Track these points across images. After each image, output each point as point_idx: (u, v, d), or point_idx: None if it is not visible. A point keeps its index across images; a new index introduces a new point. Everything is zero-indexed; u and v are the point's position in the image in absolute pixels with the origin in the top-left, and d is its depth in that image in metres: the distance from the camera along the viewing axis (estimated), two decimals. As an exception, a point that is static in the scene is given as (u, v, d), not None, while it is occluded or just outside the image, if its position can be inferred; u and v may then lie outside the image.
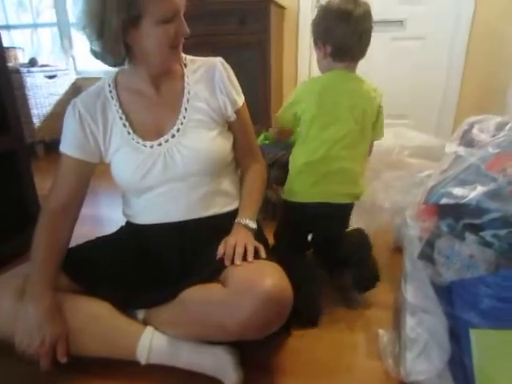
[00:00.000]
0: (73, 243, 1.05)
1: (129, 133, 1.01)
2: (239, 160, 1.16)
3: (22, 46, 3.23)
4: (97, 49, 0.92)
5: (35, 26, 3.50)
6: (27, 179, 1.59)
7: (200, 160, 1.01)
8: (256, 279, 0.83)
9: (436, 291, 0.94)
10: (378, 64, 2.64)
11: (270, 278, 0.84)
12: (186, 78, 1.05)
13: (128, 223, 1.15)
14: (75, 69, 3.22)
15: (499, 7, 2.27)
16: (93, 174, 1.06)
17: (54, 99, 2.99)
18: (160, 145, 1.01)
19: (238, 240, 0.95)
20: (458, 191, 0.92)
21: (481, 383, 0.81)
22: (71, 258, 1.00)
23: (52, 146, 2.96)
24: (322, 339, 1.09)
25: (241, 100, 1.09)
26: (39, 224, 0.99)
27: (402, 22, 2.58)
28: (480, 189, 0.89)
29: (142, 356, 0.92)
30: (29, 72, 2.79)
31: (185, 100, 1.03)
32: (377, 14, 2.86)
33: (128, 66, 1.00)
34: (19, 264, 1.03)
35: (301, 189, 1.20)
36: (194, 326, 0.90)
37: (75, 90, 3.16)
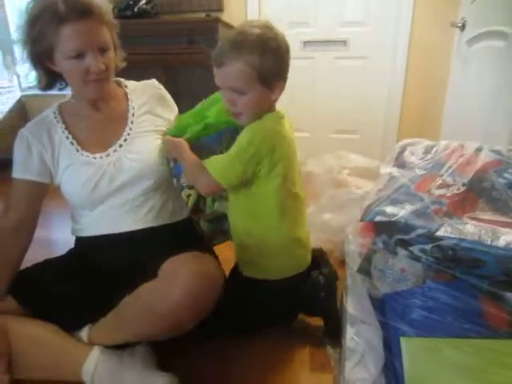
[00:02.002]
0: (22, 266, 1.07)
1: (77, 150, 1.06)
2: None
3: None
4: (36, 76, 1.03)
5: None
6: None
7: (145, 163, 1.07)
8: (182, 263, 0.91)
9: (372, 303, 1.02)
10: (323, 82, 2.77)
11: (197, 260, 0.93)
12: (129, 96, 1.13)
13: (77, 241, 1.17)
14: (20, 86, 3.11)
15: (434, 32, 2.46)
16: (44, 196, 1.09)
17: None
18: (108, 155, 1.06)
19: None
20: (390, 209, 1.00)
21: (411, 386, 0.88)
22: (18, 281, 1.02)
23: (-5, 165, 2.83)
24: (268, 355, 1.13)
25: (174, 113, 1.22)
26: None
27: (345, 41, 2.72)
28: (409, 207, 0.98)
29: (87, 379, 0.93)
30: None
31: (130, 115, 1.10)
32: (321, 35, 3.00)
33: (71, 95, 1.09)
34: None
35: (283, 263, 1.11)
36: (132, 326, 0.94)
37: (20, 107, 3.06)
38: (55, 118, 1.08)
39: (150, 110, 1.14)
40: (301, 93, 2.67)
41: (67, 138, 1.06)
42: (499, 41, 1.50)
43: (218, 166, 0.97)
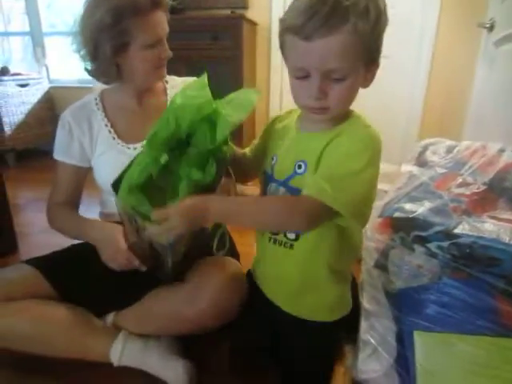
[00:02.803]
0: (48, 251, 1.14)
1: (114, 138, 1.11)
2: None
3: (-9, 54, 3.23)
4: (91, 68, 1.03)
5: (7, 34, 3.47)
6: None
7: None
8: (211, 271, 0.95)
9: (387, 298, 1.03)
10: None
11: (225, 268, 0.97)
12: (168, 92, 1.17)
13: None
14: (48, 78, 3.21)
15: (461, 32, 2.43)
16: (85, 177, 1.16)
17: (26, 108, 2.98)
18: (142, 147, 1.09)
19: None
20: (409, 206, 1.01)
21: (422, 379, 0.90)
22: (51, 264, 1.07)
23: (23, 155, 2.94)
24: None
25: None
26: (52, 215, 1.14)
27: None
28: (427, 204, 0.99)
29: (115, 358, 0.99)
30: (0, 81, 2.79)
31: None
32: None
33: (115, 84, 1.11)
34: None
35: None
36: (156, 321, 1.00)
37: (48, 98, 3.15)
38: (96, 104, 1.12)
39: None
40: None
41: (106, 125, 1.11)
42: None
43: (340, 191, 0.67)
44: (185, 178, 0.74)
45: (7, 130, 2.83)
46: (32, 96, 3.03)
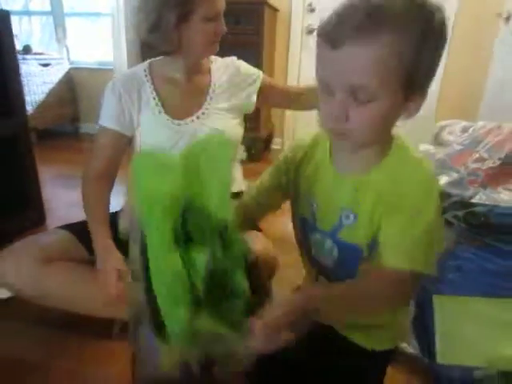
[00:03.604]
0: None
1: (160, 111, 1.14)
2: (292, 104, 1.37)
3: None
4: (149, 40, 1.07)
5: (28, 13, 3.52)
6: (29, 163, 1.67)
7: None
8: None
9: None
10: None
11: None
12: (212, 73, 1.21)
13: None
14: (68, 58, 3.25)
15: (479, 21, 2.46)
16: (126, 147, 1.18)
17: (47, 88, 3.02)
18: (186, 124, 1.15)
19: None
20: (427, 180, 1.08)
21: (441, 339, 0.98)
22: (84, 229, 1.09)
23: (44, 134, 3.00)
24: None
25: (258, 77, 1.25)
26: (84, 192, 1.12)
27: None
28: (445, 178, 1.06)
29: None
30: (23, 59, 2.79)
31: (211, 90, 1.18)
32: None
33: (164, 57, 1.16)
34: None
35: None
36: None
37: (68, 79, 3.20)
38: (145, 76, 1.16)
39: (228, 89, 1.20)
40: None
41: (154, 98, 1.14)
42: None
43: (422, 254, 0.59)
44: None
45: (29, 108, 2.82)
46: (53, 76, 3.05)
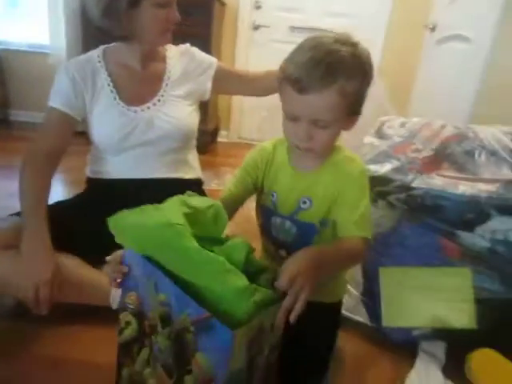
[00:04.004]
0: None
1: (115, 98, 1.15)
2: (250, 90, 1.36)
3: None
4: (102, 25, 1.07)
5: None
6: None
7: (174, 126, 1.18)
8: None
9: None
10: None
11: None
12: (167, 60, 1.23)
13: (91, 183, 1.27)
14: (-4, 40, 3.01)
15: (408, 31, 2.72)
16: (74, 130, 1.17)
17: None
18: (142, 111, 1.16)
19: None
20: (373, 167, 1.22)
21: (386, 306, 1.12)
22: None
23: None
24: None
25: (213, 63, 1.27)
26: (24, 172, 1.08)
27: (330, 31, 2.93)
28: (388, 165, 1.21)
29: (114, 302, 1.05)
30: None
31: (166, 77, 1.20)
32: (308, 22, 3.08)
33: (119, 43, 1.16)
34: None
35: None
36: None
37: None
38: (99, 62, 1.16)
39: (183, 76, 1.22)
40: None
41: (108, 85, 1.15)
42: (462, 43, 1.78)
43: (367, 225, 0.80)
44: None
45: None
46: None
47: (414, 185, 1.13)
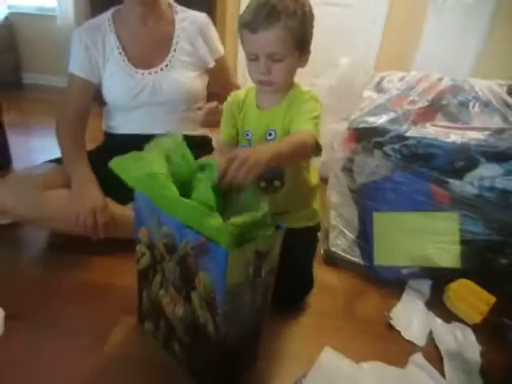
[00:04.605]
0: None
1: (123, 60, 1.22)
2: (220, 92, 1.38)
3: None
4: None
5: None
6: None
7: (182, 91, 1.26)
8: None
9: (351, 193, 1.33)
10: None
11: None
12: (176, 24, 1.26)
13: (108, 137, 1.36)
14: (6, 2, 3.02)
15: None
16: (93, 92, 1.26)
17: None
18: (150, 74, 1.23)
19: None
20: (370, 119, 1.28)
21: (378, 247, 1.22)
22: None
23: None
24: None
25: (219, 52, 1.34)
26: (60, 133, 1.21)
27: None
28: (385, 117, 1.26)
29: None
30: None
31: (174, 42, 1.25)
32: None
33: (123, 5, 1.22)
34: None
35: None
36: None
37: (7, 26, 2.98)
38: (109, 26, 1.22)
39: (192, 42, 1.26)
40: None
41: (117, 48, 1.21)
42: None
43: (316, 127, 0.90)
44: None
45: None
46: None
47: (407, 134, 1.20)
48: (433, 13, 2.27)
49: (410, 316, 1.08)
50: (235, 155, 0.71)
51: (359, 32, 2.95)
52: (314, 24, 0.92)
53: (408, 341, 1.01)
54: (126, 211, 1.18)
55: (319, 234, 1.26)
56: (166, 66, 1.25)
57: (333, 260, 1.29)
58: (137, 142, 1.21)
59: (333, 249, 1.29)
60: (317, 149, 0.89)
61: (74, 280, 1.12)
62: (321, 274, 1.22)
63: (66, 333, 0.95)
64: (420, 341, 1.01)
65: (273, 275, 0.80)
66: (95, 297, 1.07)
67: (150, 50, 1.24)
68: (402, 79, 1.45)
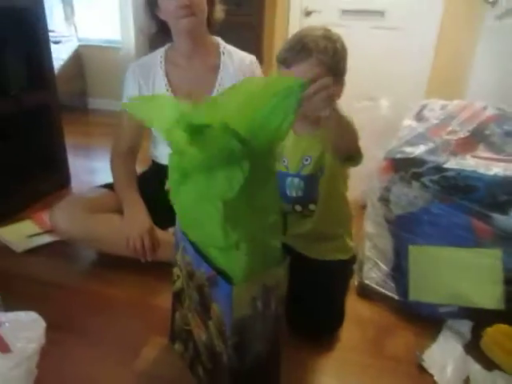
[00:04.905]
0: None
1: None
2: None
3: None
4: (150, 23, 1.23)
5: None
6: (58, 130, 1.84)
7: None
8: None
9: (387, 223, 1.29)
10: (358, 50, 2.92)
11: None
12: (220, 67, 1.30)
13: (153, 163, 1.47)
14: (77, 36, 3.35)
15: (466, 6, 2.58)
16: (144, 129, 1.35)
17: (58, 64, 3.10)
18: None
19: None
20: (408, 149, 1.25)
21: (414, 282, 1.17)
22: None
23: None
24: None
25: None
26: (113, 165, 1.32)
27: (382, 12, 2.86)
28: (423, 147, 1.23)
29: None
30: None
31: (217, 84, 1.30)
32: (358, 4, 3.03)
33: (173, 42, 1.29)
34: (54, 199, 1.37)
35: None
36: None
37: (77, 56, 3.31)
38: (160, 62, 1.28)
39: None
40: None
41: (165, 85, 1.28)
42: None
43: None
44: None
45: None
46: (64, 53, 3.17)
47: (446, 166, 1.15)
48: (485, 35, 2.18)
49: (446, 359, 1.02)
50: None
51: (410, 55, 2.90)
52: (348, 57, 0.99)
53: (441, 386, 0.95)
54: (166, 236, 1.25)
55: (354, 267, 1.25)
56: None
57: (366, 292, 1.25)
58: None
59: (366, 281, 1.26)
60: (359, 155, 0.94)
61: (114, 296, 1.20)
62: (353, 305, 1.20)
63: (99, 345, 1.01)
64: (455, 387, 0.95)
65: (282, 307, 0.81)
66: (131, 314, 1.14)
67: (193, 89, 1.28)
68: (443, 107, 1.41)
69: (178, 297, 0.94)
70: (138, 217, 1.21)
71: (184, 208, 0.75)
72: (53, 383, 0.89)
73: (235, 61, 1.31)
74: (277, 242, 0.72)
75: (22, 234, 1.44)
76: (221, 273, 0.69)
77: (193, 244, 0.77)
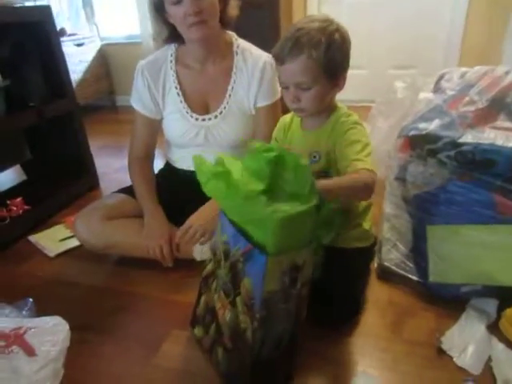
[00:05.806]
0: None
1: (181, 101, 1.27)
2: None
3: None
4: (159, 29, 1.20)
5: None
6: (81, 136, 1.91)
7: (234, 141, 1.29)
8: None
9: (405, 203, 1.25)
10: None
11: None
12: (233, 69, 1.25)
13: (167, 165, 1.48)
14: (99, 36, 3.43)
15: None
16: (159, 127, 1.36)
17: (84, 66, 3.23)
18: (204, 120, 1.27)
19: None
20: (422, 125, 1.19)
21: (433, 263, 1.13)
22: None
23: (85, 109, 3.24)
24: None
25: (265, 102, 1.26)
26: (132, 171, 1.35)
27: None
28: (437, 122, 1.17)
29: (197, 255, 1.27)
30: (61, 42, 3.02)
31: (230, 88, 1.25)
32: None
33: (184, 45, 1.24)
34: (84, 201, 1.42)
35: None
36: None
37: (102, 56, 3.40)
38: (171, 62, 1.24)
39: (248, 90, 1.24)
40: (359, 26, 2.56)
41: (176, 87, 1.25)
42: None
43: (368, 159, 0.91)
44: None
45: (72, 88, 3.12)
46: (87, 54, 3.26)
47: (461, 140, 1.09)
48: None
49: (467, 340, 0.99)
50: None
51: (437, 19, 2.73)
52: (348, 47, 0.94)
53: (460, 368, 0.93)
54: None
55: (375, 248, 1.23)
56: (221, 113, 1.27)
57: (386, 275, 1.23)
58: (187, 177, 1.29)
59: (386, 263, 1.24)
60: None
61: (138, 293, 1.25)
62: (372, 289, 1.19)
63: (123, 342, 1.07)
64: (475, 369, 0.92)
65: (307, 288, 0.85)
66: (154, 310, 1.18)
67: (206, 94, 1.27)
68: (462, 76, 1.33)
69: (206, 280, 0.98)
70: (157, 227, 1.25)
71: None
72: (81, 380, 0.96)
73: (249, 64, 1.25)
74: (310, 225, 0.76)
75: (55, 238, 1.52)
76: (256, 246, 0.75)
77: (232, 222, 0.81)
